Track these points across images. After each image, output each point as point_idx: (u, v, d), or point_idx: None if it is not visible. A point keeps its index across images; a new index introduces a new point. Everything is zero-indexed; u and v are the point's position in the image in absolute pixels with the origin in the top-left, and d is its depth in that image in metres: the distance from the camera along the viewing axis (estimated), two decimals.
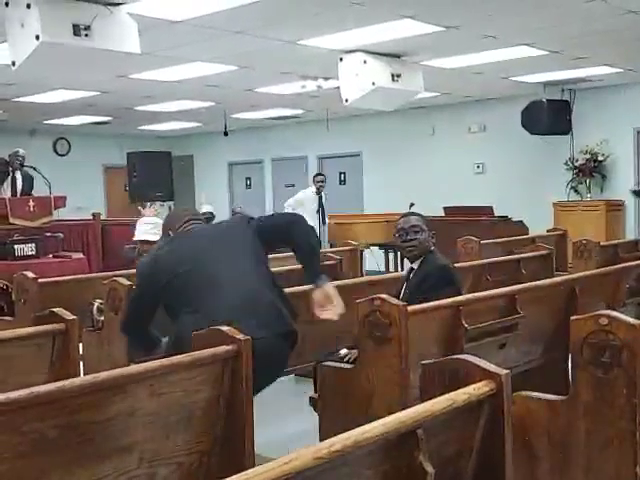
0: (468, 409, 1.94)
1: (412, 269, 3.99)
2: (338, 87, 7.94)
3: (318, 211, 10.46)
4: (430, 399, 1.90)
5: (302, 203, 10.44)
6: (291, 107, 11.95)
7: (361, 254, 7.94)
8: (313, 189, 10.63)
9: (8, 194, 8.54)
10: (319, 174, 11.05)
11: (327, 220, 10.68)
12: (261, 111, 12.32)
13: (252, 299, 3.03)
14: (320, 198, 10.57)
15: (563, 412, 2.61)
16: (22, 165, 8.77)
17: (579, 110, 10.67)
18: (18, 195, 8.63)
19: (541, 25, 6.84)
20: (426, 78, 8.23)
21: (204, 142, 15.36)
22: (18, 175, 8.78)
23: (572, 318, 2.65)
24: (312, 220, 9.94)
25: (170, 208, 14.94)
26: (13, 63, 5.45)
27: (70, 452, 2.03)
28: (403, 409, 1.82)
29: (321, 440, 2.84)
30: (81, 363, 3.38)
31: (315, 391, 3.63)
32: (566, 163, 10.72)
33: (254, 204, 14.30)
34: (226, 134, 12.29)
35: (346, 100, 7.79)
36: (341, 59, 7.65)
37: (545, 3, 6.14)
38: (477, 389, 1.97)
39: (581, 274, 4.71)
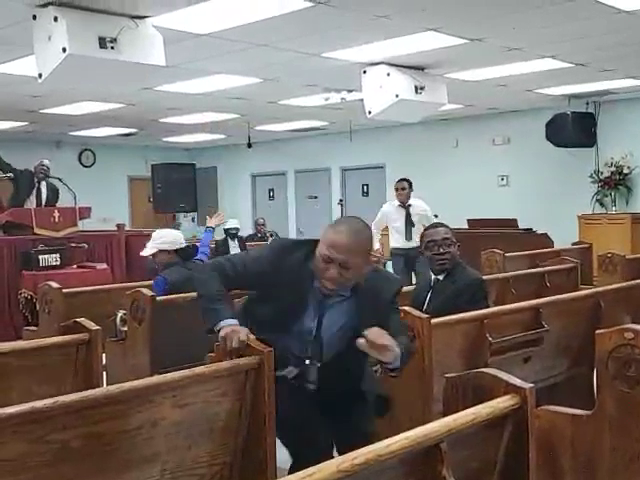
0: (492, 423, 1.93)
1: (438, 280, 3.95)
2: (362, 99, 7.94)
3: (406, 226, 8.35)
4: (453, 413, 1.88)
5: (384, 221, 8.49)
6: (315, 119, 11.98)
7: (384, 266, 7.93)
8: (395, 201, 8.56)
9: (33, 205, 8.60)
10: (400, 180, 8.68)
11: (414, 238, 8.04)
12: (285, 123, 12.37)
13: None
14: (407, 210, 8.42)
15: (588, 427, 2.58)
16: (47, 176, 8.80)
17: (604, 123, 10.60)
18: (43, 206, 8.68)
19: (566, 37, 6.81)
20: (450, 90, 8.22)
21: (228, 154, 15.43)
22: (43, 186, 8.82)
23: (597, 332, 2.63)
24: (398, 240, 8.38)
25: (193, 219, 15.10)
26: (40, 75, 5.51)
27: (93, 462, 2.04)
28: (426, 422, 1.81)
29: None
30: (104, 373, 3.39)
31: None
32: (591, 176, 10.64)
33: (277, 216, 14.35)
34: (250, 146, 12.35)
35: (369, 112, 7.79)
36: (365, 71, 7.66)
37: (570, 15, 6.10)
38: (501, 403, 1.96)
39: (606, 287, 4.66)
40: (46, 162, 8.82)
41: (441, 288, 3.90)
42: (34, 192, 8.75)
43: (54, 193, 8.94)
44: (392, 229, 8.46)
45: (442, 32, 6.45)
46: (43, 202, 8.77)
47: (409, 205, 8.42)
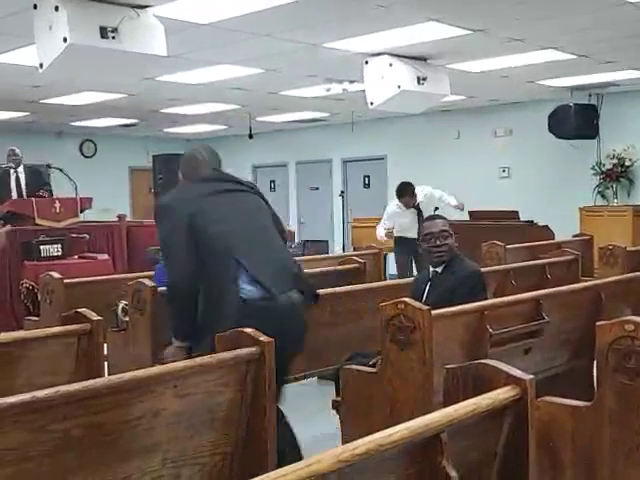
0: (492, 414, 1.93)
1: (436, 272, 3.95)
2: (363, 90, 7.93)
3: (419, 224, 7.33)
4: (454, 404, 1.89)
5: (392, 223, 7.96)
6: (316, 110, 11.96)
7: (384, 258, 7.93)
8: (399, 203, 8.01)
9: (15, 195, 8.38)
10: (401, 193, 7.90)
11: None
12: (286, 114, 12.35)
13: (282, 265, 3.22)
14: (418, 208, 7.89)
15: (588, 418, 2.59)
16: (21, 162, 8.47)
17: (606, 114, 10.58)
18: (24, 193, 8.42)
19: (569, 29, 6.79)
20: (452, 81, 8.20)
21: (229, 145, 15.36)
22: (20, 173, 8.55)
23: (598, 324, 2.63)
24: (407, 232, 7.89)
25: None
26: (41, 65, 5.50)
27: (95, 452, 2.05)
28: (426, 413, 1.82)
29: (343, 443, 2.83)
30: (105, 363, 3.40)
31: (337, 394, 3.62)
32: (593, 168, 10.63)
33: (278, 207, 14.25)
34: (251, 137, 12.33)
35: (371, 103, 7.78)
36: (367, 62, 7.64)
37: (573, 7, 6.09)
38: (501, 394, 1.96)
39: (607, 280, 4.66)
40: (15, 149, 8.57)
41: (440, 280, 3.90)
42: (12, 183, 8.52)
43: (35, 175, 8.68)
44: (398, 224, 8.01)
45: (444, 22, 6.43)
46: (23, 188, 8.50)
47: (417, 204, 7.93)
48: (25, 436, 1.91)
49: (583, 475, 2.62)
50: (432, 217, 4.15)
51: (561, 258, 6.39)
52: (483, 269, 5.16)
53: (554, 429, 2.62)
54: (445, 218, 4.10)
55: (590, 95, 10.53)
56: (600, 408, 2.57)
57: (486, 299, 3.82)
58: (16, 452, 1.90)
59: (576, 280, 5.84)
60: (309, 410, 4.64)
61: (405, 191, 7.94)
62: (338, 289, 4.56)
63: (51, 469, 1.96)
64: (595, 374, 2.72)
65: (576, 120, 10.20)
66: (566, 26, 6.69)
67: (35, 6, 5.37)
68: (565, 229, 9.10)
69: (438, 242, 3.88)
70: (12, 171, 8.58)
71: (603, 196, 10.65)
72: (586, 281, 5.05)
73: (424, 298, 3.82)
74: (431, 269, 3.99)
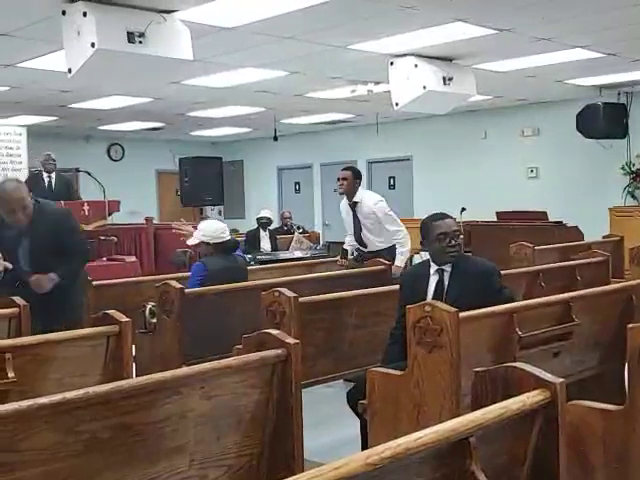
0: (522, 418, 1.91)
1: (442, 270, 3.83)
2: (389, 91, 7.91)
3: (354, 229, 6.47)
4: (482, 407, 1.87)
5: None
6: (341, 112, 11.96)
7: (411, 259, 7.90)
8: None
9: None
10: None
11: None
12: (311, 116, 12.36)
13: None
14: (353, 208, 6.39)
15: (619, 422, 2.55)
16: (53, 169, 8.68)
17: (636, 114, 10.45)
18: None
19: (597, 27, 6.72)
20: (478, 81, 8.15)
21: (254, 147, 15.46)
22: (52, 178, 8.72)
23: (629, 326, 2.60)
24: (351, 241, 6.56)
25: (220, 212, 15.18)
26: (69, 70, 5.56)
27: (122, 452, 2.06)
28: (454, 417, 1.80)
29: (369, 446, 2.82)
30: (133, 365, 3.42)
31: (363, 397, 3.60)
32: (622, 168, 10.51)
33: (303, 209, 14.35)
34: (276, 139, 12.37)
35: (397, 104, 7.75)
36: (392, 63, 7.62)
37: (601, 4, 6.03)
38: (531, 398, 1.94)
39: (638, 281, 4.59)
40: (52, 154, 8.73)
41: (458, 278, 3.79)
42: (46, 187, 8.62)
43: (66, 186, 8.82)
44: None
45: (470, 22, 6.39)
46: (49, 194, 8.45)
47: (355, 202, 6.33)
48: (55, 436, 1.93)
49: (615, 478, 2.59)
50: (441, 216, 4.00)
51: (591, 259, 6.32)
52: (512, 270, 5.14)
53: (585, 433, 2.59)
54: (453, 217, 4.03)
55: (619, 94, 10.41)
56: (632, 411, 2.53)
57: (512, 294, 3.79)
58: (47, 452, 1.92)
59: (606, 282, 5.77)
60: (335, 412, 4.63)
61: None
62: (363, 291, 4.55)
63: (79, 470, 1.97)
64: (626, 377, 2.68)
65: (605, 119, 10.08)
66: (594, 24, 6.62)
67: (64, 12, 5.43)
68: (595, 230, 9.01)
69: (453, 242, 3.83)
70: (45, 175, 8.70)
71: (633, 196, 10.53)
72: (617, 283, 4.99)
73: (444, 296, 3.73)
74: (434, 267, 3.87)
